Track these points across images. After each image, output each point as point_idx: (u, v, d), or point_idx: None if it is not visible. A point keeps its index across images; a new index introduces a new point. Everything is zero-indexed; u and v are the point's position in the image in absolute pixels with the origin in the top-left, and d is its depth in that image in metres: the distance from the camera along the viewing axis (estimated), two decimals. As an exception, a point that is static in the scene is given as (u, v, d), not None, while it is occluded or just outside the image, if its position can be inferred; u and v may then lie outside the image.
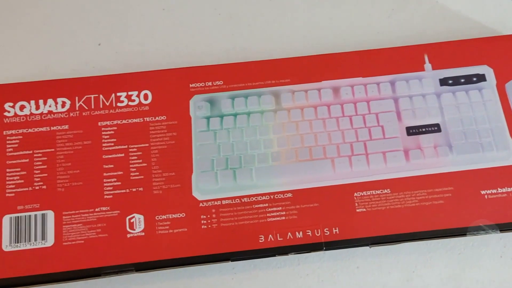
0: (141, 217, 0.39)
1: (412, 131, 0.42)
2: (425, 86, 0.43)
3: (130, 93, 0.42)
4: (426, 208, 0.40)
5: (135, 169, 0.40)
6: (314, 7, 0.50)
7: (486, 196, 0.40)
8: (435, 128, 0.42)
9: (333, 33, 0.49)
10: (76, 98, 0.42)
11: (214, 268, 0.43)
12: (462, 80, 0.43)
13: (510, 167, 0.40)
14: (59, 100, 0.42)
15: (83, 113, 0.42)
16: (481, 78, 0.43)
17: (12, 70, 0.47)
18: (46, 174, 0.40)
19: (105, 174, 0.40)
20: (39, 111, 0.42)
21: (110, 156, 0.41)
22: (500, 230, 0.39)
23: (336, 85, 0.43)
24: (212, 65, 0.44)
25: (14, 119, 0.41)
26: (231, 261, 0.39)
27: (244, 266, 0.43)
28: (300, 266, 0.43)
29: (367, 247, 0.41)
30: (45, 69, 0.48)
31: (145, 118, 0.42)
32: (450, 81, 0.43)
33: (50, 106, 0.42)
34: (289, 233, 0.39)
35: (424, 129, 0.42)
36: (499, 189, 0.40)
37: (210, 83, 0.43)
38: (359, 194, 0.40)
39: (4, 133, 0.41)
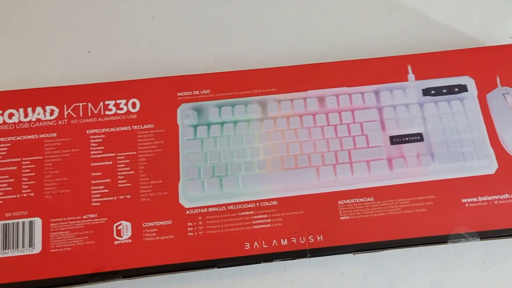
0: (129, 224, 0.40)
1: (396, 140, 0.42)
2: (409, 96, 0.43)
3: (118, 101, 0.43)
4: (409, 216, 0.40)
5: (122, 177, 0.41)
6: (302, 16, 0.51)
7: (467, 205, 0.41)
8: (418, 137, 0.42)
9: (320, 41, 0.50)
10: (65, 106, 0.42)
11: (201, 274, 0.43)
12: (444, 91, 0.44)
13: (490, 176, 0.41)
14: (48, 108, 0.42)
15: (72, 121, 0.42)
16: (463, 88, 0.44)
17: (0, 76, 0.48)
18: (34, 182, 0.40)
19: (93, 181, 0.41)
20: (27, 119, 0.42)
21: (98, 164, 0.41)
22: (480, 238, 0.40)
23: (322, 94, 0.44)
24: (200, 74, 0.44)
25: (3, 126, 0.42)
26: (217, 268, 0.40)
27: (230, 272, 0.44)
28: (286, 273, 0.44)
29: (351, 254, 0.42)
30: (34, 75, 0.48)
31: (133, 126, 0.42)
32: (433, 91, 0.44)
33: (38, 114, 0.42)
34: (274, 240, 0.40)
35: (407, 139, 0.42)
36: (479, 197, 0.41)
37: (197, 92, 0.43)
38: (343, 202, 0.41)
39: (-7, 140, 0.41)
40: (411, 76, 0.44)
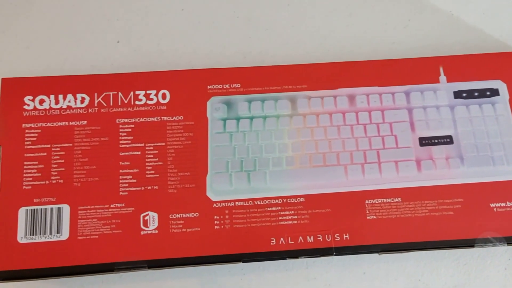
0: (155, 215, 0.40)
1: (425, 141, 0.42)
2: (439, 98, 0.43)
3: (148, 91, 0.43)
4: (436, 218, 0.40)
5: (150, 168, 0.41)
6: (331, 14, 0.51)
7: (495, 209, 0.40)
8: (447, 140, 0.42)
9: (348, 40, 0.50)
10: (95, 94, 0.43)
11: (224, 268, 0.44)
12: (476, 94, 0.43)
13: (519, 182, 0.41)
14: (79, 95, 0.42)
15: (102, 110, 0.42)
16: (494, 92, 0.43)
17: (30, 63, 0.48)
18: (63, 169, 0.40)
19: (121, 171, 0.41)
20: (58, 106, 0.42)
21: (126, 154, 0.41)
22: (507, 243, 0.40)
23: (352, 93, 0.43)
24: (231, 67, 0.44)
25: (34, 112, 0.42)
26: (243, 262, 0.40)
27: (253, 267, 0.44)
28: (308, 270, 0.44)
29: (374, 254, 0.42)
30: (64, 63, 0.48)
31: (162, 117, 0.42)
32: (464, 94, 0.43)
33: (69, 101, 0.42)
34: (300, 237, 0.40)
35: (436, 141, 0.42)
36: (508, 202, 0.41)
37: (227, 86, 0.43)
38: (370, 201, 0.41)
39: (23, 126, 0.41)
40: (442, 78, 0.44)
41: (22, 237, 0.39)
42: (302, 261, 0.44)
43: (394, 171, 0.41)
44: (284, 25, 0.50)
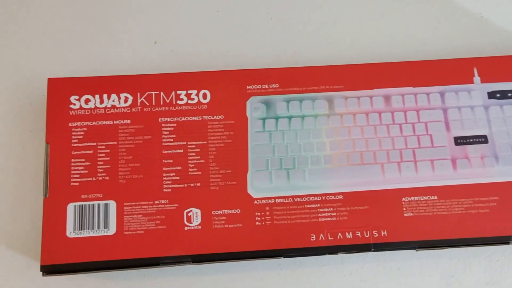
0: (198, 211, 0.41)
1: (460, 141, 0.43)
2: (474, 98, 0.44)
3: (189, 91, 0.44)
4: (472, 216, 0.41)
5: (193, 165, 0.42)
6: (362, 16, 0.52)
7: (529, 207, 0.41)
8: (482, 139, 0.43)
9: (379, 41, 0.51)
10: (138, 94, 0.44)
11: (261, 263, 0.45)
12: (510, 95, 0.44)
13: (553, 180, 0.42)
14: (122, 95, 0.44)
15: (145, 109, 0.43)
16: (528, 93, 0.44)
17: (70, 64, 0.49)
18: (108, 166, 0.42)
19: (164, 168, 0.42)
20: (103, 105, 0.43)
21: (169, 152, 0.42)
22: (542, 240, 0.41)
23: (388, 93, 0.44)
24: (269, 68, 0.45)
25: (80, 111, 0.43)
26: (284, 257, 0.41)
27: (290, 263, 0.45)
28: (343, 266, 0.45)
29: (409, 250, 0.43)
30: (102, 64, 0.49)
31: (203, 117, 0.43)
32: (498, 95, 0.44)
33: (113, 101, 0.43)
34: (339, 233, 0.41)
35: (471, 140, 0.43)
36: (542, 200, 0.42)
37: (266, 86, 0.44)
38: (407, 199, 0.42)
39: (70, 124, 0.43)
40: (476, 78, 0.45)
41: (71, 231, 0.40)
42: (338, 257, 0.45)
43: (430, 169, 0.42)
44: (317, 27, 0.51)
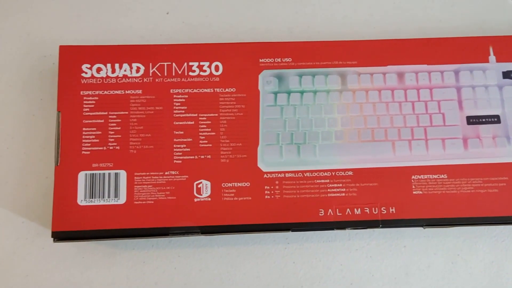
0: (208, 183, 0.41)
1: (472, 120, 0.43)
2: (488, 78, 0.44)
3: (202, 63, 0.44)
4: (481, 195, 0.41)
5: (204, 137, 0.42)
6: (377, -9, 0.51)
7: (539, 188, 0.41)
8: (495, 119, 0.43)
9: (394, 18, 0.50)
10: (150, 64, 0.43)
11: (269, 236, 0.45)
12: (525, 75, 0.44)
13: None
14: (134, 65, 0.43)
15: (156, 80, 0.43)
16: (543, 74, 0.44)
17: (80, 32, 0.49)
18: (119, 136, 0.42)
19: (175, 140, 0.42)
20: (114, 75, 0.43)
21: (180, 123, 0.42)
22: (550, 221, 0.41)
23: (401, 70, 0.44)
24: (282, 41, 0.45)
25: (91, 80, 0.43)
26: (292, 231, 0.41)
27: (297, 237, 0.45)
28: (350, 242, 0.45)
29: (416, 228, 0.43)
30: (113, 34, 0.49)
31: (215, 89, 0.43)
32: (513, 75, 0.44)
33: (125, 70, 0.43)
34: (348, 209, 0.41)
35: (484, 120, 0.43)
36: (552, 182, 0.42)
37: (279, 59, 0.44)
38: (416, 177, 0.42)
39: (81, 93, 0.42)
40: (492, 57, 0.44)
41: (82, 199, 0.41)
42: (344, 232, 0.45)
43: (441, 148, 0.42)
44: (331, 2, 0.51)
